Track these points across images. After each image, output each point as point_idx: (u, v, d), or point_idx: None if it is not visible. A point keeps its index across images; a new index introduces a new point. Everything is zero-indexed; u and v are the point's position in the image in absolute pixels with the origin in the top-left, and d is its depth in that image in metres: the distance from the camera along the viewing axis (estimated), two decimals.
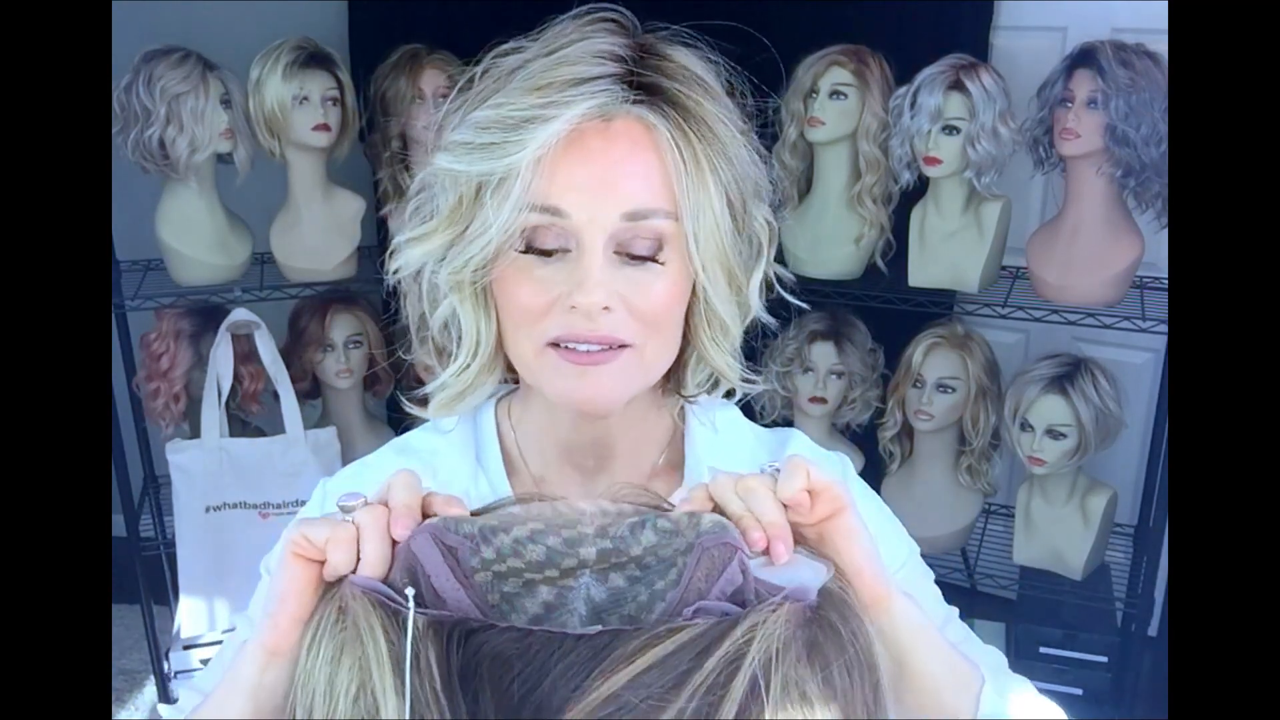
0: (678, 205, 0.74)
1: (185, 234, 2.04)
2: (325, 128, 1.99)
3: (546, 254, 0.74)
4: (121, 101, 1.92)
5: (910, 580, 0.85)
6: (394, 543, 0.62)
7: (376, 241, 2.33)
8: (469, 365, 0.79)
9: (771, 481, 0.65)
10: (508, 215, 0.72)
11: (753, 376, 0.82)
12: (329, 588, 0.63)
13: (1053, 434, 1.92)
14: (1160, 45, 1.75)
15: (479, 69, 0.77)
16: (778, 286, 0.84)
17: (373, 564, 0.61)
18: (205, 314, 2.12)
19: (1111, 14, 2.15)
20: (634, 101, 0.73)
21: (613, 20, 0.77)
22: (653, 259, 0.74)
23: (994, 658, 0.84)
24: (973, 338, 2.05)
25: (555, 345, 0.75)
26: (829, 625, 0.60)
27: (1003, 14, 2.30)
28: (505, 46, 0.77)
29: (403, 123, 2.07)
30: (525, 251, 0.74)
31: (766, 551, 0.63)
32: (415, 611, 0.59)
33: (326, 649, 0.60)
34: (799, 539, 0.65)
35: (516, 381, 0.85)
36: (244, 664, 0.65)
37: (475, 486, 0.83)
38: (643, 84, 0.74)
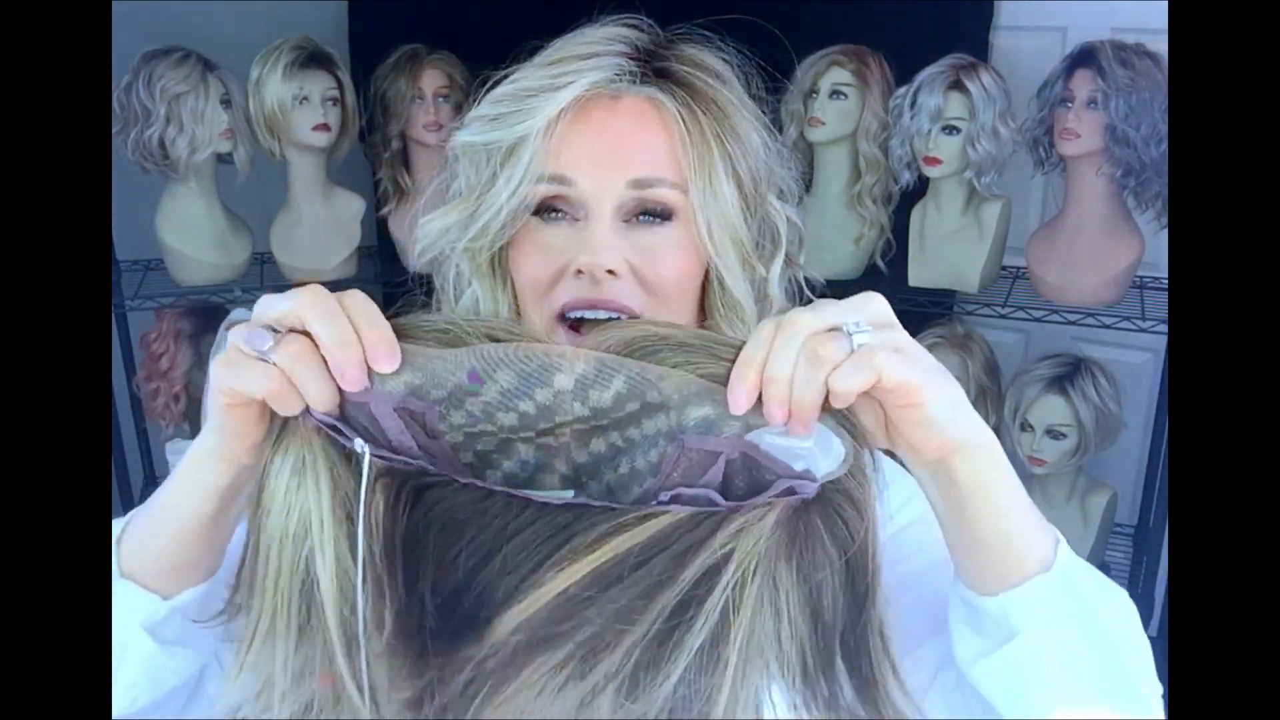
0: (684, 178, 0.75)
1: (185, 234, 2.04)
2: (325, 128, 1.99)
3: (557, 216, 0.75)
4: (121, 101, 1.92)
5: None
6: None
7: (376, 241, 2.33)
8: None
9: (838, 353, 0.56)
10: (518, 183, 0.73)
11: None
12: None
13: (1053, 434, 1.92)
14: (1160, 45, 1.75)
15: (503, 73, 0.79)
16: (807, 290, 0.84)
17: (319, 405, 0.57)
18: (205, 314, 2.12)
19: (1111, 14, 2.15)
20: (642, 81, 0.75)
21: (633, 25, 0.79)
22: (660, 224, 0.75)
23: None
24: (973, 338, 2.04)
25: (564, 320, 0.75)
26: (822, 529, 0.55)
27: (1003, 14, 2.30)
28: (531, 49, 0.79)
29: (403, 123, 2.07)
30: (536, 213, 0.75)
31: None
32: (372, 453, 0.55)
33: (283, 480, 0.57)
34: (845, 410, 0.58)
35: None
36: (204, 471, 0.63)
37: None
38: (653, 68, 0.76)
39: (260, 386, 0.57)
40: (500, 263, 0.79)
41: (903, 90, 1.89)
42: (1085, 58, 1.80)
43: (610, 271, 0.73)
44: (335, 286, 0.60)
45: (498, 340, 0.59)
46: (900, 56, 1.97)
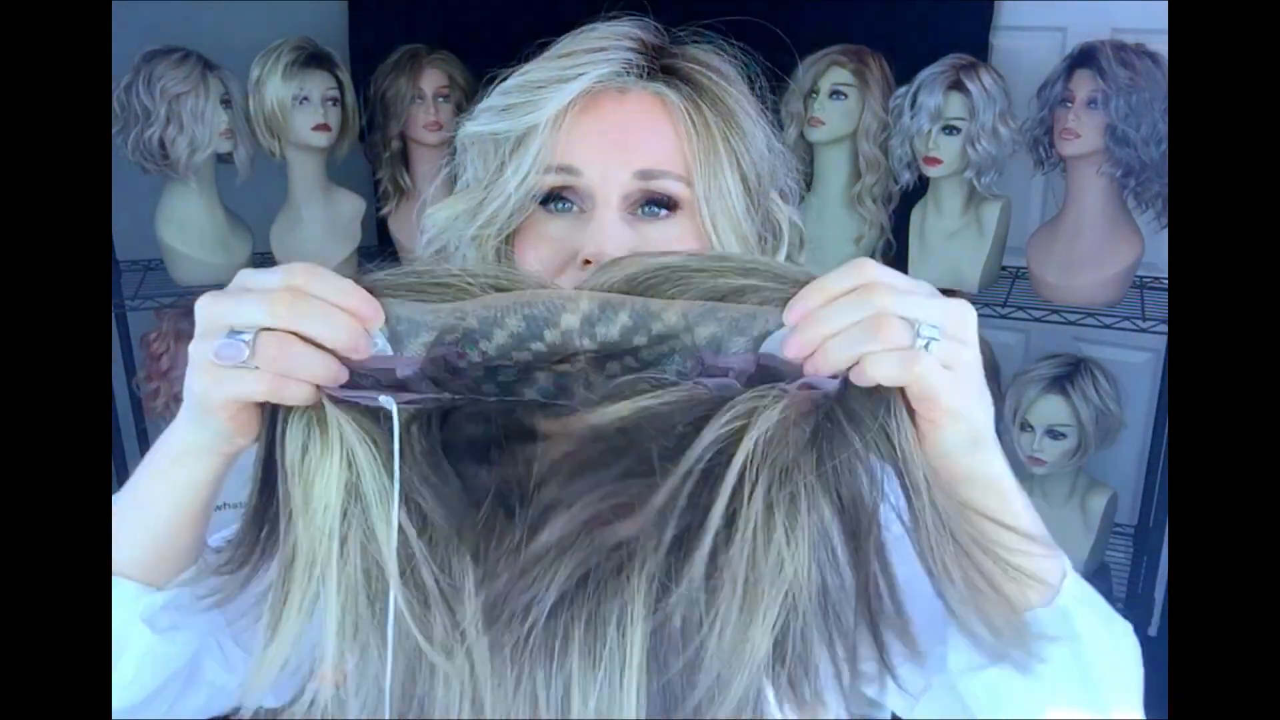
0: (690, 171, 0.76)
1: (185, 234, 2.04)
2: (325, 128, 1.99)
3: (564, 208, 0.76)
4: (121, 101, 1.92)
5: None
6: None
7: (376, 241, 2.33)
8: None
9: (891, 341, 0.56)
10: (526, 172, 0.74)
11: None
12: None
13: (1053, 434, 1.92)
14: (1160, 45, 1.75)
15: (511, 70, 0.80)
16: None
17: (328, 381, 0.58)
18: None
19: (1111, 14, 2.15)
20: (649, 76, 0.76)
21: (640, 24, 0.80)
22: (665, 217, 0.76)
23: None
24: None
25: None
26: (841, 417, 0.57)
27: (1003, 14, 2.30)
28: (539, 46, 0.80)
29: (403, 123, 2.07)
30: (543, 203, 0.76)
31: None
32: (399, 405, 0.58)
33: (309, 461, 0.59)
34: None
35: None
36: (193, 467, 0.66)
37: None
38: (660, 64, 0.78)
39: (262, 390, 0.58)
40: (507, 252, 0.80)
41: (903, 90, 1.90)
42: (1085, 58, 1.80)
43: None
44: None
45: (502, 289, 0.61)
46: (900, 56, 1.97)
